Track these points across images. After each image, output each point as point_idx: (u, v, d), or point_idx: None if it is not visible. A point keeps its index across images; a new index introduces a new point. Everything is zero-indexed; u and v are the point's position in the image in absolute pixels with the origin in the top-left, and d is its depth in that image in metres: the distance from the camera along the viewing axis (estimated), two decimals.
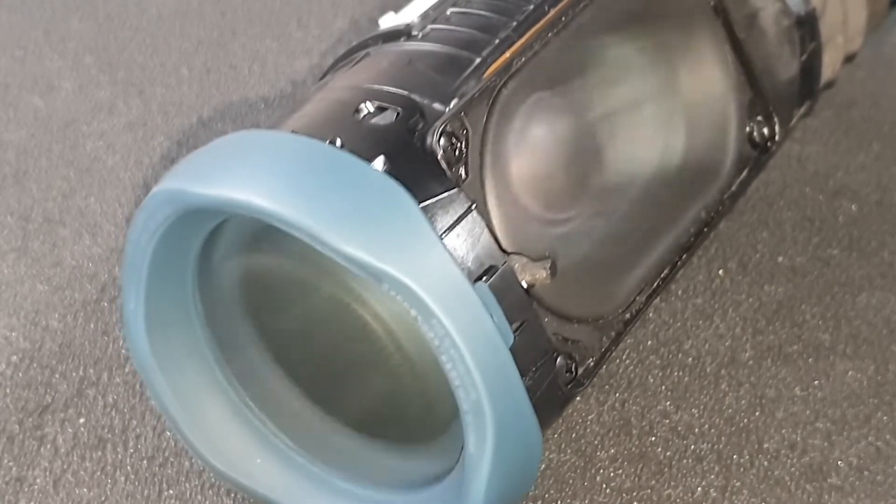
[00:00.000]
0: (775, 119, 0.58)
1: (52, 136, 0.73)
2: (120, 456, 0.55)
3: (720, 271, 0.64)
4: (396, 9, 0.53)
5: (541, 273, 0.44)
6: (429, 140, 0.44)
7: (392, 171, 0.42)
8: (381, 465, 0.50)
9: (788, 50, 0.59)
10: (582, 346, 0.48)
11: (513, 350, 0.42)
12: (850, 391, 0.57)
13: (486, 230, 0.43)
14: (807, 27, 0.59)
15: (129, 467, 0.54)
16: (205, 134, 0.72)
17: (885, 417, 0.56)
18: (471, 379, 0.41)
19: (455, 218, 0.43)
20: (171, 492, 0.53)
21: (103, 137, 0.73)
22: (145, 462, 0.54)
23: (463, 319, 0.41)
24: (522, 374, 0.43)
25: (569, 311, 0.47)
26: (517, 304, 0.44)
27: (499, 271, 0.43)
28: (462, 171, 0.44)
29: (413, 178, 0.42)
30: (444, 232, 0.42)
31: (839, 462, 0.54)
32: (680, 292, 0.62)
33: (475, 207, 0.43)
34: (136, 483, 0.54)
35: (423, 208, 0.42)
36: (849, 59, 0.66)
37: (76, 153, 0.72)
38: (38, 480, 0.54)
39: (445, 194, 0.43)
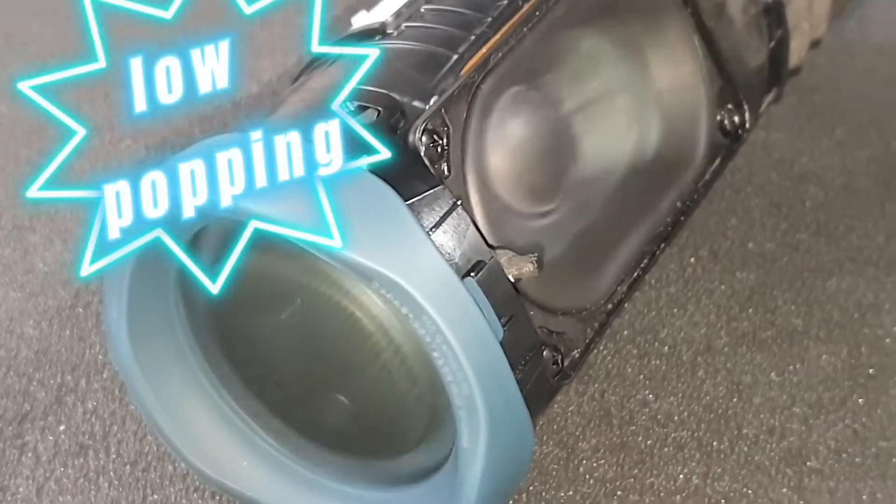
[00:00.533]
0: (745, 107, 0.58)
1: (18, 142, 0.72)
2: (102, 462, 0.54)
3: (692, 259, 0.64)
4: (363, 7, 0.53)
5: (527, 266, 0.44)
6: (411, 138, 0.44)
7: (376, 170, 0.42)
8: (370, 465, 0.50)
9: (756, 38, 0.60)
10: (567, 339, 0.48)
11: (503, 344, 0.43)
12: (825, 375, 0.58)
13: (471, 226, 0.44)
14: (774, 15, 0.60)
15: (111, 473, 0.54)
16: (172, 136, 0.72)
17: (860, 400, 0.57)
18: (463, 374, 0.41)
19: (441, 215, 0.43)
20: (155, 496, 0.53)
21: None
22: (128, 467, 0.54)
23: (454, 315, 0.41)
24: (513, 368, 0.43)
25: (553, 303, 0.48)
26: (505, 298, 0.44)
27: (486, 266, 0.43)
28: (445, 167, 0.44)
29: (398, 176, 0.42)
30: (431, 229, 0.42)
31: (818, 446, 0.55)
32: (653, 281, 0.63)
33: (460, 203, 0.44)
34: (120, 489, 0.53)
35: (409, 206, 0.42)
36: (814, 44, 0.66)
37: (43, 158, 0.71)
38: (20, 489, 0.53)
39: (430, 191, 0.43)
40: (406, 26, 0.50)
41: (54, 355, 0.59)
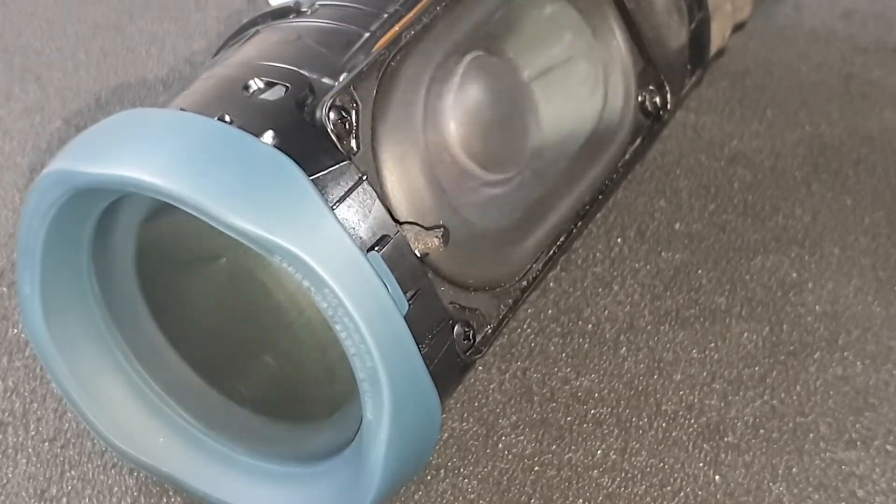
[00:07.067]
0: (667, 88, 0.59)
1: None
2: (21, 438, 0.54)
3: (619, 239, 0.65)
4: None
5: (433, 241, 0.45)
6: (318, 114, 0.44)
7: (281, 145, 0.42)
8: (283, 440, 0.50)
9: (677, 19, 0.60)
10: (479, 314, 0.48)
11: (407, 318, 0.43)
12: (745, 352, 0.59)
13: (377, 201, 0.44)
14: None
15: (30, 450, 0.54)
16: (103, 117, 0.71)
17: (779, 376, 0.57)
18: (365, 347, 0.41)
19: (346, 189, 0.43)
20: (73, 472, 0.53)
21: (0, 124, 0.72)
22: (47, 444, 0.54)
23: (355, 288, 0.41)
24: (418, 342, 0.44)
25: (465, 279, 0.48)
26: (411, 272, 0.44)
27: (391, 241, 0.44)
28: (353, 143, 0.44)
29: (303, 151, 0.43)
30: (336, 203, 0.43)
31: (735, 421, 0.56)
32: (580, 261, 0.63)
33: (366, 178, 0.44)
34: (38, 465, 0.53)
35: (314, 181, 0.42)
36: (738, 27, 0.67)
37: None
38: None
39: (336, 166, 0.43)
40: (320, 5, 0.50)
41: None
